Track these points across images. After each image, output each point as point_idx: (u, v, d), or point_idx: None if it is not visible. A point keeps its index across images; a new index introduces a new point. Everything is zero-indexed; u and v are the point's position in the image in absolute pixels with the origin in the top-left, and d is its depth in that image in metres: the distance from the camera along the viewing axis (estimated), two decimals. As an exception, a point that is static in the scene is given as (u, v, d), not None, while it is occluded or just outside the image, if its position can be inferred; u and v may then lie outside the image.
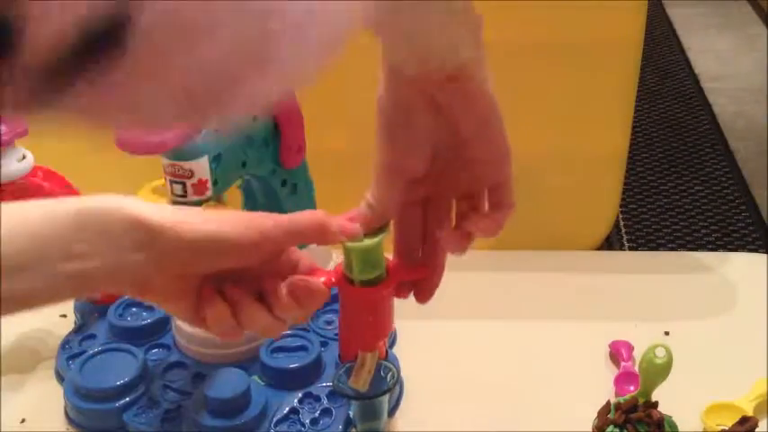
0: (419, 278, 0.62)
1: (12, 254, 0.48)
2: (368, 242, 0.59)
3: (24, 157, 0.77)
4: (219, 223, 0.54)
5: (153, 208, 0.53)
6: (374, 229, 0.59)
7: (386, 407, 0.67)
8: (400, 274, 0.62)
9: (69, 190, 0.79)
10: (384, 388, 0.64)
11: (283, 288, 0.56)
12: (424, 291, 0.62)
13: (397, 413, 0.76)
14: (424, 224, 0.62)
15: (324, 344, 0.78)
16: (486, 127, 0.57)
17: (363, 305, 0.62)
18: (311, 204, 0.81)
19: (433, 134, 0.57)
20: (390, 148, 0.57)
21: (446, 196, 0.61)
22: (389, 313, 0.63)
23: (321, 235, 0.57)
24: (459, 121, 0.57)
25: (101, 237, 0.50)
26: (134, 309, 0.82)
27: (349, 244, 0.58)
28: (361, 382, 0.63)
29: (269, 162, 0.75)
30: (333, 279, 0.60)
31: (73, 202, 0.51)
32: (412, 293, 0.63)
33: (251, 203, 0.79)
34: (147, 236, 0.51)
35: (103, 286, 0.53)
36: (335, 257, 0.83)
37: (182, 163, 0.67)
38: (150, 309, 0.82)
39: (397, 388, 0.77)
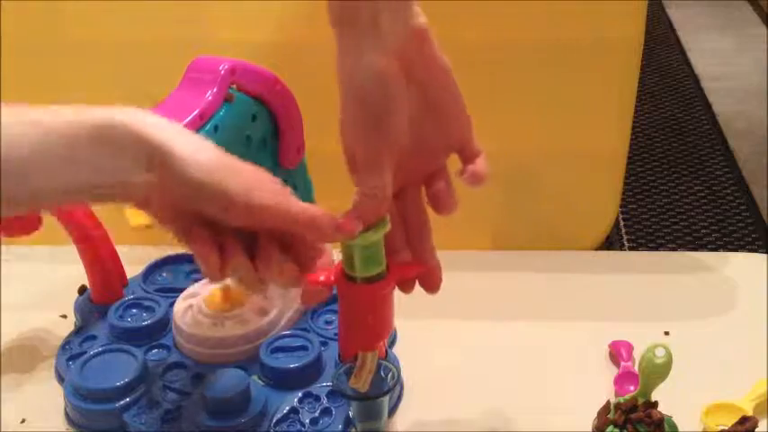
0: (419, 273, 0.62)
1: (30, 157, 0.50)
2: (370, 236, 0.58)
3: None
4: (227, 174, 0.54)
5: (169, 132, 0.54)
6: (371, 224, 0.59)
7: (386, 407, 0.66)
8: (399, 272, 0.61)
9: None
10: (384, 388, 0.64)
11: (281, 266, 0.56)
12: (430, 282, 0.63)
13: (397, 413, 0.76)
14: (402, 217, 0.62)
15: (324, 343, 0.77)
16: (449, 83, 0.59)
17: (365, 304, 0.61)
18: (311, 204, 0.81)
19: (408, 106, 0.58)
20: (376, 122, 0.58)
21: (417, 182, 0.62)
22: (390, 312, 0.63)
23: (316, 232, 0.57)
24: (427, 83, 0.58)
25: (115, 152, 0.52)
26: (134, 310, 0.82)
27: (350, 240, 0.58)
28: (361, 383, 0.62)
29: (268, 162, 0.75)
30: (332, 278, 0.60)
31: (95, 116, 0.53)
32: (419, 287, 0.63)
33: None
34: (151, 157, 0.53)
35: (111, 196, 0.54)
36: (335, 256, 0.83)
37: (181, 163, 0.67)
38: (150, 310, 0.82)
39: (398, 388, 0.77)
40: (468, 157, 0.62)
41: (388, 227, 0.59)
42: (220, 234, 0.56)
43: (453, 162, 0.63)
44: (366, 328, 0.62)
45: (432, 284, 0.63)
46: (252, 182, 0.55)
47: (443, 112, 0.60)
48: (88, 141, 0.52)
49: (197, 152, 0.54)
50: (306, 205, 0.57)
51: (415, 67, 0.57)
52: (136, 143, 0.53)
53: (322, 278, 0.60)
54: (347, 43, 0.57)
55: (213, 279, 0.58)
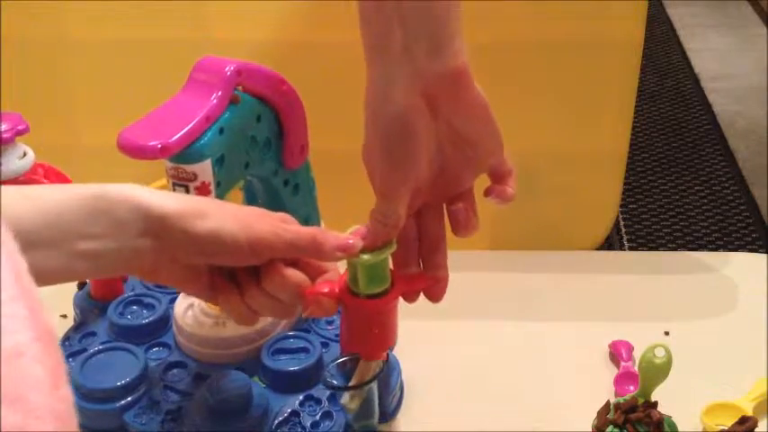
0: (425, 286, 0.62)
1: (31, 230, 0.51)
2: (375, 257, 0.58)
3: (25, 155, 0.77)
4: (224, 222, 0.55)
5: (162, 198, 0.55)
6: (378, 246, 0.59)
7: (376, 400, 0.66)
8: (404, 285, 0.61)
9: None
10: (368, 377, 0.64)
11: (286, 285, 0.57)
12: (434, 292, 0.63)
13: (398, 413, 0.76)
14: (420, 232, 0.62)
15: (325, 345, 0.77)
16: (482, 120, 0.58)
17: (369, 318, 0.61)
18: (313, 204, 0.81)
19: (433, 138, 0.57)
20: (397, 161, 0.57)
21: (439, 202, 0.62)
22: (394, 324, 0.63)
23: (317, 253, 0.58)
24: (458, 119, 0.57)
25: (111, 222, 0.53)
26: (134, 307, 0.82)
27: (355, 258, 0.58)
28: (360, 393, 0.63)
29: (272, 163, 0.74)
30: (336, 290, 0.60)
31: (89, 188, 0.54)
32: (422, 295, 0.63)
33: (252, 204, 0.79)
34: (152, 226, 0.54)
35: (115, 267, 0.56)
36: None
37: (185, 166, 0.66)
38: (151, 307, 0.82)
39: (398, 390, 0.77)
40: (497, 177, 0.61)
41: (394, 248, 0.59)
42: (234, 279, 0.58)
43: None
44: (370, 340, 0.63)
45: (435, 295, 0.63)
46: (247, 218, 0.57)
47: (473, 146, 0.58)
48: (98, 212, 0.53)
49: (190, 210, 0.55)
50: (306, 230, 0.58)
51: (445, 105, 0.56)
52: (139, 215, 0.54)
53: (326, 290, 0.60)
54: (377, 71, 0.56)
55: (250, 322, 0.60)
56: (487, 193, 0.61)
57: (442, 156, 0.58)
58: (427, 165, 0.58)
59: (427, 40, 0.54)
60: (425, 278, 0.62)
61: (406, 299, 0.63)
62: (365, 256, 0.58)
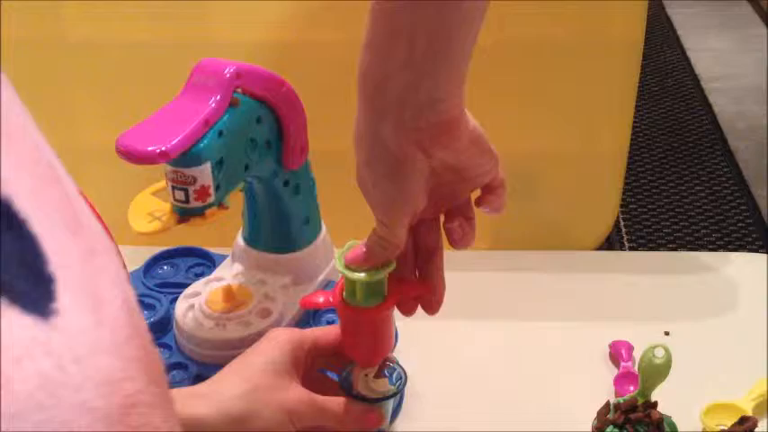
0: (418, 295, 0.62)
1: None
2: (373, 276, 0.59)
3: (26, 158, 0.77)
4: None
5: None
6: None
7: (390, 408, 0.67)
8: (399, 294, 0.62)
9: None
10: (388, 393, 0.64)
11: None
12: (431, 304, 0.63)
13: (398, 413, 0.76)
14: (415, 243, 0.62)
15: (325, 344, 0.78)
16: (479, 150, 0.58)
17: (363, 325, 0.62)
18: (314, 205, 0.81)
19: (426, 170, 0.57)
20: (392, 197, 0.57)
21: (434, 215, 0.62)
22: (389, 332, 0.64)
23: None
24: (451, 158, 0.57)
25: None
26: (135, 309, 0.82)
27: (354, 276, 0.58)
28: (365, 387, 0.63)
29: (271, 163, 0.75)
30: (331, 299, 0.60)
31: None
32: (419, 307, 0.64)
33: (253, 205, 0.79)
34: None
35: None
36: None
37: (184, 170, 0.66)
38: (151, 308, 0.82)
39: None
40: (488, 188, 0.61)
41: (393, 267, 0.60)
42: None
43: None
44: (365, 347, 0.63)
45: (431, 307, 0.63)
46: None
47: (468, 170, 0.58)
48: None
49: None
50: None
51: (437, 148, 0.55)
52: None
53: (321, 299, 0.61)
54: (369, 112, 0.55)
55: None
56: (479, 203, 0.61)
57: (437, 178, 0.58)
58: (423, 191, 0.58)
59: (427, 91, 0.52)
60: (419, 286, 0.63)
61: (402, 311, 0.63)
62: (363, 275, 0.58)
